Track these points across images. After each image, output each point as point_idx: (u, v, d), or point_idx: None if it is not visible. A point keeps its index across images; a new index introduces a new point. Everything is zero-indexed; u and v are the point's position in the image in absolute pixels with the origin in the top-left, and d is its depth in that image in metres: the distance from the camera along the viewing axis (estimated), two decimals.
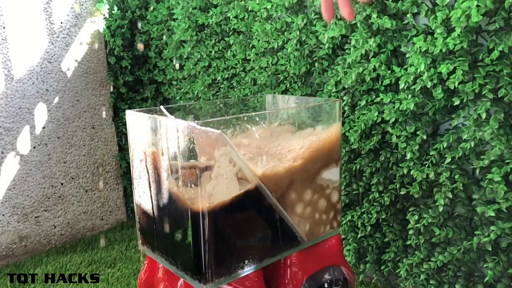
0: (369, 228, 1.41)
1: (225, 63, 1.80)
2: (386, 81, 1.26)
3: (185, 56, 1.95)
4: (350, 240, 1.48)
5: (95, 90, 2.11)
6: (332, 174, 1.02)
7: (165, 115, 0.96)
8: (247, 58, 1.70)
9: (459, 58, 1.08)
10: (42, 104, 1.93)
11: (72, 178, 2.07)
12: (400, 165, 1.29)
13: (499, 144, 1.05)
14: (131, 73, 2.20)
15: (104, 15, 2.09)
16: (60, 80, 1.98)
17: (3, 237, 1.87)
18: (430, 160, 1.21)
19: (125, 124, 2.22)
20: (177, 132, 0.78)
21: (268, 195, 0.84)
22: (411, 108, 1.20)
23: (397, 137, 1.27)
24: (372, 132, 1.34)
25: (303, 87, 1.51)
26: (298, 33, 1.45)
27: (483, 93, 1.06)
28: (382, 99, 1.28)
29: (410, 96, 1.20)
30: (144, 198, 0.92)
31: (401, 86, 1.21)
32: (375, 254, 1.45)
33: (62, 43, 1.97)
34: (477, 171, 1.15)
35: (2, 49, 1.79)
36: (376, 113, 1.30)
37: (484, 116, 1.06)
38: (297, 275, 0.92)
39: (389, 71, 1.26)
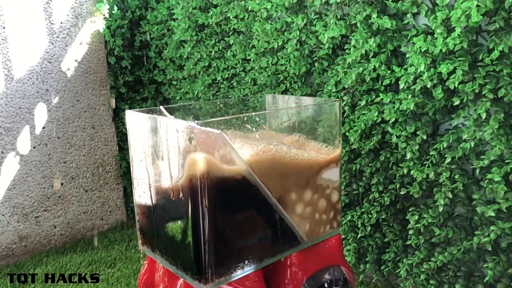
0: (369, 228, 1.41)
1: (225, 63, 1.80)
2: (386, 81, 1.26)
3: (185, 56, 1.95)
4: (350, 240, 1.48)
5: (95, 90, 2.11)
6: (332, 174, 1.02)
7: (165, 115, 0.96)
8: (247, 58, 1.70)
9: (459, 58, 1.08)
10: (42, 104, 1.93)
11: (72, 178, 2.07)
12: (400, 165, 1.29)
13: (499, 144, 1.05)
14: (131, 73, 2.20)
15: (104, 15, 2.09)
16: (60, 80, 1.98)
17: (3, 237, 1.87)
18: (430, 160, 1.21)
19: (125, 124, 2.22)
20: (177, 132, 0.78)
21: (268, 195, 0.84)
22: (411, 108, 1.20)
23: (397, 137, 1.27)
24: (372, 132, 1.34)
25: (303, 87, 1.51)
26: (298, 33, 1.45)
27: (483, 93, 1.06)
28: (382, 99, 1.28)
29: (410, 96, 1.20)
30: (144, 198, 0.92)
31: (401, 86, 1.21)
32: (375, 254, 1.45)
33: (62, 43, 1.97)
34: (477, 171, 1.15)
35: (2, 49, 1.79)
36: (376, 113, 1.30)
37: (484, 116, 1.06)
38: (297, 275, 0.92)
39: (389, 71, 1.26)
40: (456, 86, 1.10)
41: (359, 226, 1.44)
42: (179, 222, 0.82)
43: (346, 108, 1.40)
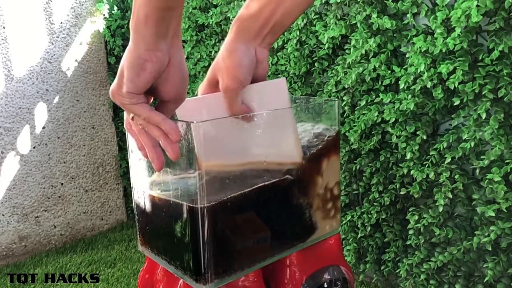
0: (369, 228, 1.41)
1: None
2: (386, 81, 1.26)
3: (185, 56, 1.95)
4: (350, 240, 1.48)
5: (95, 90, 2.11)
6: (331, 173, 1.02)
7: None
8: None
9: (459, 58, 1.08)
10: (42, 104, 1.93)
11: (72, 178, 2.07)
12: (400, 165, 1.29)
13: (499, 144, 1.05)
14: None
15: (104, 15, 2.09)
16: (60, 80, 1.98)
17: (3, 237, 1.87)
18: (430, 160, 1.21)
19: None
20: None
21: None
22: (411, 108, 1.19)
23: (397, 137, 1.27)
24: (372, 132, 1.34)
25: (303, 87, 1.51)
26: (298, 33, 1.45)
27: (483, 93, 1.06)
28: (382, 99, 1.28)
29: (410, 96, 1.20)
30: (143, 198, 0.92)
31: (401, 86, 1.21)
32: (375, 254, 1.44)
33: (62, 43, 1.97)
34: (477, 171, 1.14)
35: (2, 49, 1.79)
36: (376, 113, 1.30)
37: (484, 116, 1.06)
38: (297, 275, 0.92)
39: (389, 71, 1.26)
40: (456, 86, 1.10)
41: (359, 226, 1.44)
42: (178, 222, 0.82)
43: (346, 108, 1.40)
